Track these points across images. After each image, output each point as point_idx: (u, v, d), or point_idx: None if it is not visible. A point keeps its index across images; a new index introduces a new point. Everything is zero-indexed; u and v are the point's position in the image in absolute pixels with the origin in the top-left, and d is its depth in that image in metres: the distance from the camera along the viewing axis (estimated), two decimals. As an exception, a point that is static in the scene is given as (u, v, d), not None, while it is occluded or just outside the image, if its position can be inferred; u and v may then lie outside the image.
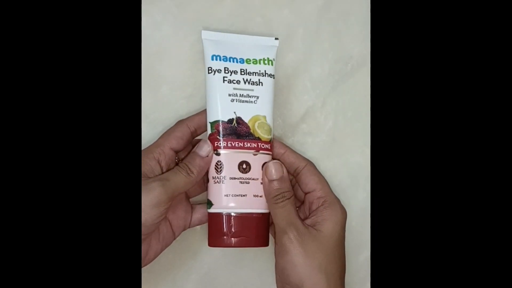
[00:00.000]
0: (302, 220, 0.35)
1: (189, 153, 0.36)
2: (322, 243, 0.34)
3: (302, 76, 0.40)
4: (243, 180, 0.36)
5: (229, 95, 0.36)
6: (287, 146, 0.38)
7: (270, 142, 0.37)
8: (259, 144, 0.36)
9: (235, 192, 0.36)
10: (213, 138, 0.36)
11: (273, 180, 0.35)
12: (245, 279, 0.42)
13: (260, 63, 0.37)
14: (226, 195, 0.35)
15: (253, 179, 0.36)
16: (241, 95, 0.36)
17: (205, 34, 0.36)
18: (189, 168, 0.34)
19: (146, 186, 0.32)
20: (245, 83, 0.36)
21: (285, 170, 0.36)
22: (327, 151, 0.41)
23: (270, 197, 0.35)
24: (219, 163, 0.36)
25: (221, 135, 0.36)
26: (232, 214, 0.35)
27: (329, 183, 0.38)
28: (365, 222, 0.42)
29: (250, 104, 0.36)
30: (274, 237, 0.36)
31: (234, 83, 0.36)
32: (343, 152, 0.42)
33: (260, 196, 0.36)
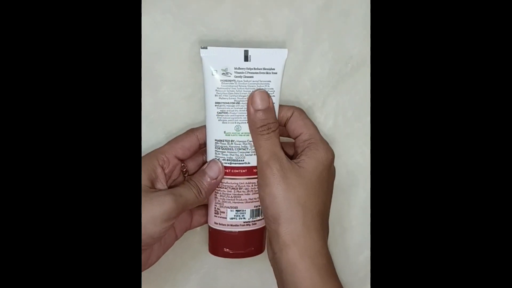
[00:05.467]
0: (286, 154, 0.35)
1: (199, 168, 0.37)
2: (303, 177, 0.34)
3: (302, 76, 0.41)
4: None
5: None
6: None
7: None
8: None
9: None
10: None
11: (259, 110, 0.34)
12: (245, 279, 0.42)
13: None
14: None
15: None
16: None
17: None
18: (200, 189, 0.34)
19: (158, 198, 0.32)
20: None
21: (271, 101, 0.35)
22: (327, 151, 0.41)
23: (255, 127, 0.34)
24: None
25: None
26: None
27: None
28: (365, 222, 0.42)
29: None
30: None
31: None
32: (343, 152, 0.42)
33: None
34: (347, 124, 0.41)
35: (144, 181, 0.33)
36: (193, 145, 0.36)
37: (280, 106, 0.36)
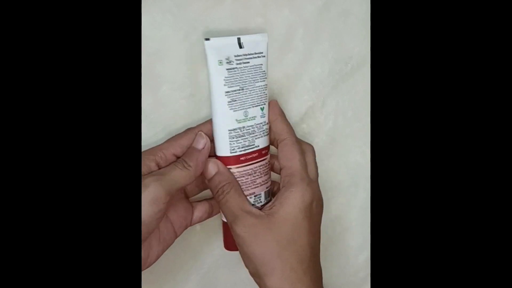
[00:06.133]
0: (251, 208, 0.34)
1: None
2: (273, 230, 0.33)
3: (302, 76, 0.41)
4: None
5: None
6: (281, 114, 0.37)
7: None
8: None
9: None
10: None
11: (211, 177, 0.35)
12: (245, 279, 0.42)
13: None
14: None
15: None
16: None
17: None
18: (185, 162, 0.34)
19: (142, 183, 0.31)
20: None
21: (220, 165, 0.35)
22: (327, 151, 0.41)
23: (214, 195, 0.35)
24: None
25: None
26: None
27: (329, 183, 0.38)
28: (365, 222, 0.42)
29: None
30: None
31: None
32: (343, 152, 0.42)
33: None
34: (347, 124, 0.41)
35: None
36: (191, 143, 0.36)
37: (282, 123, 0.37)
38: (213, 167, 0.35)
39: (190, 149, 0.35)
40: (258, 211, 0.34)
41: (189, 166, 0.33)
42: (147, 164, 0.34)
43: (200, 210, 0.38)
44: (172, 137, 0.36)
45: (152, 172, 0.33)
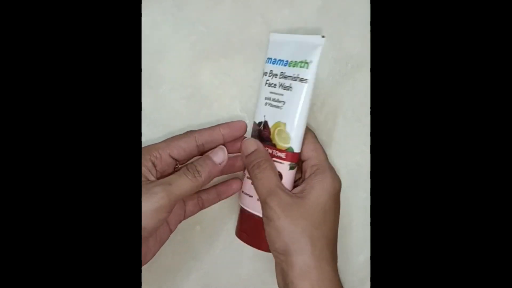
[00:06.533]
0: (284, 188, 0.35)
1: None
2: (306, 210, 0.33)
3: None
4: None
5: (265, 98, 0.36)
6: None
7: (286, 151, 0.35)
8: (273, 151, 0.36)
9: (246, 190, 0.37)
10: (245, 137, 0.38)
11: (250, 153, 0.35)
12: (245, 279, 0.42)
13: (297, 65, 0.35)
14: (243, 192, 0.38)
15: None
16: (273, 99, 0.36)
17: (272, 36, 0.37)
18: (197, 171, 0.33)
19: (148, 191, 0.31)
20: (279, 87, 0.36)
21: (259, 143, 0.36)
22: (327, 151, 0.41)
23: (248, 169, 0.35)
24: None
25: (253, 136, 0.37)
26: (243, 209, 0.38)
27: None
28: (365, 222, 0.42)
29: (277, 109, 0.36)
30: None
31: (271, 87, 0.36)
32: (343, 152, 0.42)
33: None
34: (347, 124, 0.41)
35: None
36: (190, 146, 0.36)
37: None
38: (252, 145, 0.35)
39: (206, 158, 0.35)
40: (290, 192, 0.35)
41: (200, 176, 0.33)
42: (144, 164, 0.34)
43: (191, 204, 0.38)
44: (171, 137, 0.36)
45: (157, 179, 0.33)
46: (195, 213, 0.38)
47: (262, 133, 0.36)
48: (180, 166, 0.37)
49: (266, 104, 0.36)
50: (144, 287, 0.31)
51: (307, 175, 0.36)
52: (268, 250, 0.36)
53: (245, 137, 0.37)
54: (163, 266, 0.40)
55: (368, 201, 0.41)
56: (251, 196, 0.37)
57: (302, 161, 0.37)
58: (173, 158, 0.35)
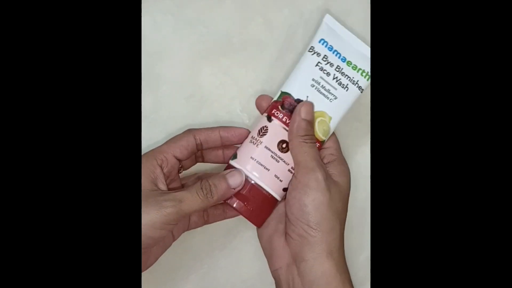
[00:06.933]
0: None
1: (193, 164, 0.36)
2: (341, 192, 0.34)
3: (302, 76, 0.40)
4: (275, 156, 0.35)
5: (313, 79, 0.36)
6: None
7: (320, 143, 0.36)
8: None
9: (261, 161, 0.35)
10: (274, 105, 0.36)
11: (305, 119, 0.34)
12: (245, 279, 0.42)
13: (356, 70, 0.36)
14: (253, 159, 0.35)
15: (284, 161, 0.35)
16: (323, 87, 0.36)
17: (327, 19, 0.37)
18: (211, 192, 0.33)
19: (158, 203, 0.31)
20: (334, 79, 0.36)
21: (314, 117, 0.35)
22: (327, 151, 0.41)
23: (299, 134, 0.34)
24: (264, 128, 0.36)
25: (283, 107, 0.36)
26: (248, 178, 0.35)
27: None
28: (365, 222, 0.42)
29: (325, 99, 0.36)
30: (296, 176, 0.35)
31: (324, 73, 0.36)
32: (343, 152, 0.42)
33: (280, 180, 0.35)
34: (347, 124, 0.41)
35: (146, 182, 0.33)
36: (191, 145, 0.36)
37: None
38: (310, 113, 0.35)
39: (222, 180, 0.34)
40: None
41: (212, 197, 0.33)
42: (152, 170, 0.33)
43: (196, 216, 0.38)
44: (171, 138, 0.36)
45: (170, 191, 0.33)
46: (199, 226, 0.38)
47: None
48: (180, 166, 0.37)
49: (312, 86, 0.36)
50: (144, 287, 0.31)
51: (326, 160, 0.36)
52: (259, 225, 0.36)
53: (304, 100, 0.35)
54: (163, 266, 0.40)
55: (368, 201, 0.41)
56: (268, 170, 0.35)
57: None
58: (176, 158, 0.35)
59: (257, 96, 0.38)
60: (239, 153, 0.36)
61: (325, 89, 0.36)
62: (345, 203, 0.35)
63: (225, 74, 0.40)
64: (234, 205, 0.35)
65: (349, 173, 0.36)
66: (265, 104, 0.37)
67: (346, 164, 0.36)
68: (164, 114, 0.39)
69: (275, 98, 0.36)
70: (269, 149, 0.35)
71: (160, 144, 0.36)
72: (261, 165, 0.35)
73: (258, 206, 0.35)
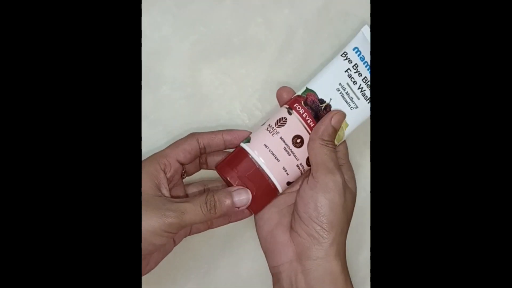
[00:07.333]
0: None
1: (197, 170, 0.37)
2: (353, 197, 0.35)
3: (302, 76, 0.40)
4: (287, 149, 0.35)
5: (339, 84, 0.36)
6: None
7: None
8: None
9: (274, 151, 0.35)
10: (297, 99, 0.36)
11: (333, 126, 0.35)
12: (245, 279, 0.42)
13: None
14: (266, 146, 0.35)
15: (295, 156, 0.35)
16: (347, 93, 0.36)
17: (365, 29, 0.37)
18: (215, 207, 0.33)
19: (160, 211, 0.31)
20: (359, 88, 0.36)
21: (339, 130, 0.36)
22: (327, 151, 0.41)
23: (323, 137, 0.34)
24: (283, 120, 0.36)
25: (305, 103, 0.36)
26: (257, 164, 0.35)
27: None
28: (365, 222, 0.42)
29: (347, 106, 0.36)
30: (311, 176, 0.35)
31: (351, 80, 0.36)
32: (343, 152, 0.42)
33: (287, 174, 0.35)
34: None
35: (150, 187, 0.33)
36: (194, 149, 0.35)
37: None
38: (340, 122, 0.35)
39: (227, 197, 0.33)
40: None
41: (215, 213, 0.33)
42: (155, 175, 0.33)
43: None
44: (174, 142, 0.36)
45: (175, 200, 0.33)
46: (202, 231, 0.38)
47: (321, 113, 0.36)
48: (183, 171, 0.37)
49: (338, 90, 0.36)
50: (144, 287, 0.31)
51: None
52: (254, 213, 0.36)
53: (334, 110, 0.36)
54: (163, 266, 0.40)
55: (368, 201, 0.41)
56: (279, 161, 0.35)
57: None
58: (180, 162, 0.35)
59: (258, 96, 0.38)
60: (252, 137, 0.36)
61: (348, 96, 0.36)
62: (353, 208, 0.36)
63: (225, 74, 0.40)
64: (235, 184, 0.35)
65: (355, 179, 0.37)
66: (286, 96, 0.37)
67: (353, 170, 0.37)
68: (164, 114, 0.39)
69: (299, 93, 0.36)
70: (284, 141, 0.35)
71: (160, 145, 0.36)
72: (272, 154, 0.35)
73: (259, 193, 0.35)
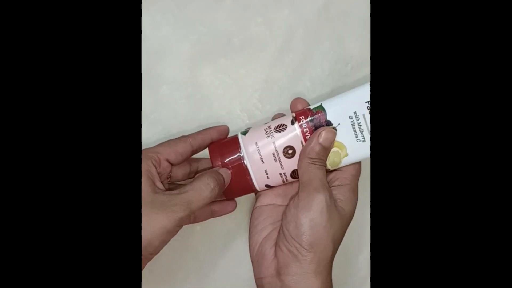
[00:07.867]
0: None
1: (185, 177, 0.37)
2: (341, 217, 0.34)
3: (302, 76, 0.41)
4: (275, 155, 0.35)
5: (354, 112, 0.35)
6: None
7: (326, 170, 0.36)
8: None
9: (262, 151, 0.35)
10: (305, 112, 0.35)
11: (320, 143, 0.34)
12: (245, 279, 0.42)
13: None
14: (256, 145, 0.35)
15: (281, 164, 0.35)
16: (359, 125, 0.35)
17: None
18: (218, 185, 0.34)
19: (169, 208, 0.32)
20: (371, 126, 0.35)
21: (332, 145, 0.35)
22: (327, 151, 0.41)
23: (309, 156, 0.34)
24: (283, 126, 0.35)
25: (312, 119, 0.35)
26: (242, 158, 0.35)
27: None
28: (365, 222, 0.42)
29: (353, 137, 0.35)
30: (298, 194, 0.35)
31: (368, 114, 0.35)
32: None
33: (267, 177, 0.36)
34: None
35: (146, 184, 0.33)
36: (186, 151, 0.36)
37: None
38: (329, 140, 0.34)
39: (218, 174, 0.35)
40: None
41: (220, 190, 0.34)
42: (148, 170, 0.33)
43: (198, 211, 0.38)
44: (166, 142, 0.36)
45: (176, 192, 0.33)
46: (200, 221, 0.38)
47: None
48: (170, 176, 0.37)
49: (350, 118, 0.35)
50: (144, 287, 0.31)
51: (337, 182, 0.36)
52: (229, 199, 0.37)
53: (332, 127, 0.35)
54: (163, 266, 0.40)
55: (368, 200, 0.41)
56: (263, 163, 0.35)
57: (336, 169, 0.36)
58: (169, 162, 0.35)
59: (258, 96, 0.38)
60: (250, 131, 0.36)
61: (359, 128, 0.35)
62: (343, 230, 0.35)
63: (225, 74, 0.40)
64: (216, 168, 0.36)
65: (356, 202, 0.36)
66: (300, 107, 0.36)
67: (357, 193, 0.36)
68: (164, 114, 0.39)
69: (311, 106, 0.36)
70: (275, 147, 0.35)
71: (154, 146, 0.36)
72: (259, 154, 0.35)
73: (236, 182, 0.36)
